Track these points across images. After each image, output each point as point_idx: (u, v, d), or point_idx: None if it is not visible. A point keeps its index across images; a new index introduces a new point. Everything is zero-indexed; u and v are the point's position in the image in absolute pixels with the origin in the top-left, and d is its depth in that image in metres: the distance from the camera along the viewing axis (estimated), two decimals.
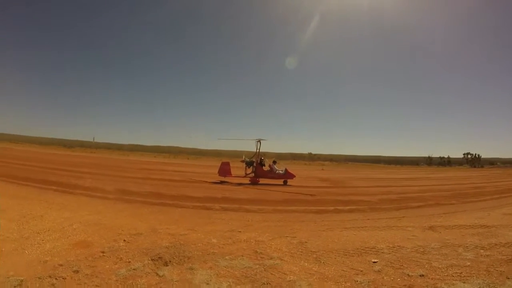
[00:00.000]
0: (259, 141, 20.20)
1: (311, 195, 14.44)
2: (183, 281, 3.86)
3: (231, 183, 17.93)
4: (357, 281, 4.11)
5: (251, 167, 19.76)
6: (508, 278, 4.22)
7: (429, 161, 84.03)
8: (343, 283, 4.04)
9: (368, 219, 9.18)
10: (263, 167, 19.97)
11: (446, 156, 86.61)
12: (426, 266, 4.71)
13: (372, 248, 5.68)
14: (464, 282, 4.08)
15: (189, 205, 10.29)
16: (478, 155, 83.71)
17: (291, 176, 19.99)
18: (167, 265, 4.34)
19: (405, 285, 4.00)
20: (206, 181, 18.54)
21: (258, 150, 20.22)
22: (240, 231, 6.71)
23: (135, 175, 20.18)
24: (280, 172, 20.07)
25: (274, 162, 20.66)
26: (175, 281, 3.84)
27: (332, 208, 11.10)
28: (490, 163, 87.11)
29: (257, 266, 4.44)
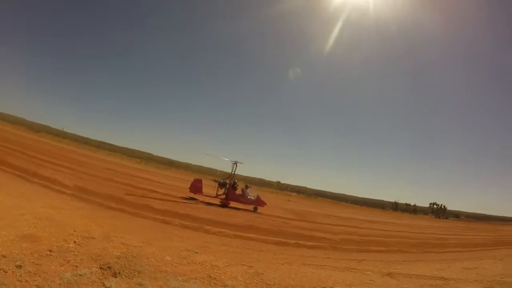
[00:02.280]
0: (235, 163, 19.92)
1: (274, 225, 14.37)
2: None
3: (199, 201, 17.67)
4: None
5: (224, 188, 19.41)
6: None
7: (395, 207, 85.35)
8: None
9: (328, 258, 9.20)
10: (236, 190, 19.71)
11: (412, 204, 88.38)
12: None
13: None
14: None
15: (150, 216, 10.03)
16: (444, 206, 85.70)
17: (262, 203, 19.85)
18: (115, 277, 4.15)
19: None
20: (173, 195, 18.16)
21: (233, 172, 19.93)
22: (196, 252, 6.54)
23: (99, 174, 19.57)
24: (252, 198, 19.86)
25: (247, 187, 20.39)
26: None
27: (293, 241, 11.07)
28: (455, 215, 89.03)
29: None
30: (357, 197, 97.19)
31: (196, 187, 18.93)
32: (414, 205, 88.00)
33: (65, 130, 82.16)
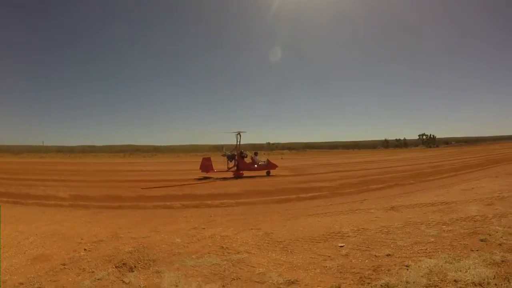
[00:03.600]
0: (239, 133, 20.17)
1: (271, 185, 14.63)
2: (151, 286, 3.83)
3: (191, 179, 17.84)
4: (326, 266, 4.24)
5: (233, 160, 19.73)
6: (472, 251, 4.49)
7: (386, 144, 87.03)
8: (313, 270, 4.16)
9: (331, 205, 9.47)
10: (245, 159, 20.05)
11: (402, 138, 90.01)
12: (391, 246, 4.93)
13: (338, 233, 5.87)
14: (430, 258, 4.30)
15: (149, 206, 10.15)
16: (433, 135, 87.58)
17: (274, 166, 20.20)
18: (132, 271, 4.27)
19: (373, 266, 4.16)
20: (168, 179, 18.24)
21: (238, 143, 20.22)
22: (204, 228, 6.72)
23: (89, 178, 19.44)
24: (263, 163, 20.25)
25: (256, 154, 20.92)
26: (143, 287, 3.81)
27: (294, 196, 11.36)
28: (445, 142, 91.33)
29: (225, 262, 4.49)
30: (347, 141, 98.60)
31: (206, 165, 19.24)
32: (404, 139, 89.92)
33: (45, 144, 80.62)
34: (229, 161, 19.81)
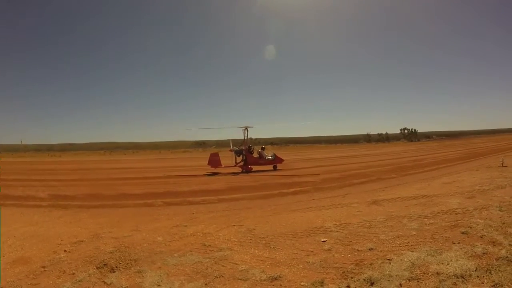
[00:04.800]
0: (246, 128, 20.41)
1: (254, 180, 14.69)
2: (133, 286, 3.81)
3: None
4: (309, 262, 4.30)
5: (241, 155, 20.09)
6: (454, 243, 4.63)
7: (368, 138, 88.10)
8: (296, 265, 4.21)
9: (313, 200, 9.59)
10: (252, 154, 20.39)
11: (384, 133, 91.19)
12: (374, 240, 5.04)
13: (320, 227, 5.95)
14: (412, 251, 4.41)
15: (130, 204, 10.08)
16: (415, 129, 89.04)
17: (280, 160, 20.69)
18: (114, 272, 4.24)
19: (356, 260, 4.24)
20: (148, 176, 18.10)
21: (246, 138, 20.58)
22: (186, 225, 6.73)
23: (69, 177, 19.11)
24: (270, 157, 20.60)
25: (263, 149, 21.21)
26: (125, 287, 3.80)
27: (277, 192, 11.45)
28: (426, 136, 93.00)
29: (208, 260, 4.51)
30: (330, 136, 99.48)
31: (214, 161, 19.55)
32: (386, 134, 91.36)
33: (23, 143, 78.58)
34: (236, 156, 20.19)
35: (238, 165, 19.92)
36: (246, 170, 19.40)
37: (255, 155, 20.53)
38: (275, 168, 19.96)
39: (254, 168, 19.65)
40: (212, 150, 23.02)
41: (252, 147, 20.71)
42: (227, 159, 20.23)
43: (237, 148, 20.48)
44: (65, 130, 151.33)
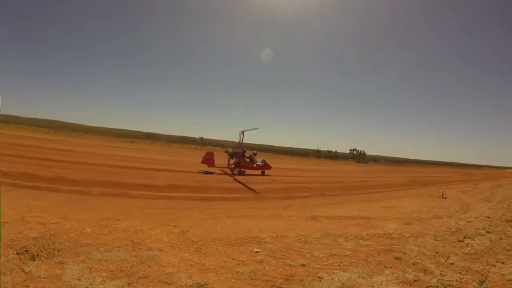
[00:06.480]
0: (242, 132, 20.95)
1: (197, 181, 14.58)
2: (52, 277, 3.63)
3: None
4: (238, 271, 4.28)
5: (234, 158, 20.59)
6: (386, 267, 4.78)
7: (318, 154, 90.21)
8: (224, 274, 4.18)
9: (254, 208, 9.64)
10: (245, 158, 20.89)
11: (334, 150, 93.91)
12: (307, 256, 5.10)
13: (255, 237, 5.97)
14: (344, 271, 4.50)
15: (65, 189, 9.64)
16: (363, 151, 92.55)
17: (269, 167, 21.62)
18: (34, 260, 4.02)
19: (286, 275, 4.26)
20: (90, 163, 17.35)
21: (241, 142, 21.07)
22: (118, 219, 6.52)
23: (7, 152, 17.84)
24: (260, 163, 21.36)
25: (255, 154, 21.77)
26: (43, 278, 3.59)
27: (218, 195, 11.42)
28: (374, 159, 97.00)
29: (134, 258, 4.39)
30: (280, 146, 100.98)
31: (208, 159, 19.89)
32: (336, 152, 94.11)
33: None
34: (230, 158, 20.74)
35: (230, 166, 20.43)
36: (240, 172, 19.97)
37: (247, 159, 21.10)
38: (263, 174, 20.80)
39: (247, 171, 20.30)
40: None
41: (246, 151, 21.28)
42: (221, 159, 20.79)
43: (231, 151, 21.15)
44: (8, 101, 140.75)
